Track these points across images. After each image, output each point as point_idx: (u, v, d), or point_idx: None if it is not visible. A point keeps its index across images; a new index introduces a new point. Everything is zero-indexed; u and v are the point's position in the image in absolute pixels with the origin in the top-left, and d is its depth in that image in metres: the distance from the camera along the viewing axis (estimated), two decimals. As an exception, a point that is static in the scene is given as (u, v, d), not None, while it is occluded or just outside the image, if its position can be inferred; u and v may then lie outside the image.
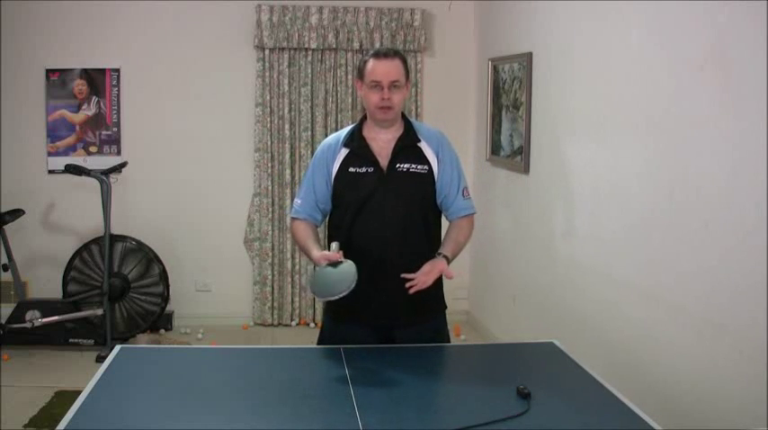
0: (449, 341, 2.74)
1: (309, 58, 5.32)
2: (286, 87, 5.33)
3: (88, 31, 5.24)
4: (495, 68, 4.95)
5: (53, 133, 5.30)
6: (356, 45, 5.30)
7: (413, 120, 2.71)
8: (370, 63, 2.51)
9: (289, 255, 5.45)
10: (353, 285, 2.28)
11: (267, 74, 5.30)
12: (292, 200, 5.37)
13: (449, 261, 2.50)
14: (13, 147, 5.26)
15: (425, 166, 2.55)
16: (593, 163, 3.64)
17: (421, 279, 2.42)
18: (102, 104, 5.32)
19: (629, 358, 3.23)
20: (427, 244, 2.58)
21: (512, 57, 4.65)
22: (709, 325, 2.70)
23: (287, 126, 5.36)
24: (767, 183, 2.38)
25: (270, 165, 5.37)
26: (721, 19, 2.62)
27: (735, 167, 2.55)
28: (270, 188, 5.40)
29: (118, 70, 5.30)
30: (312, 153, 5.35)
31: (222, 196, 5.46)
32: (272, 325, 5.51)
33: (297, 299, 5.53)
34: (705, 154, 2.71)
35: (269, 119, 5.34)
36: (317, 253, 2.46)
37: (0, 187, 5.21)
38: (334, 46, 5.28)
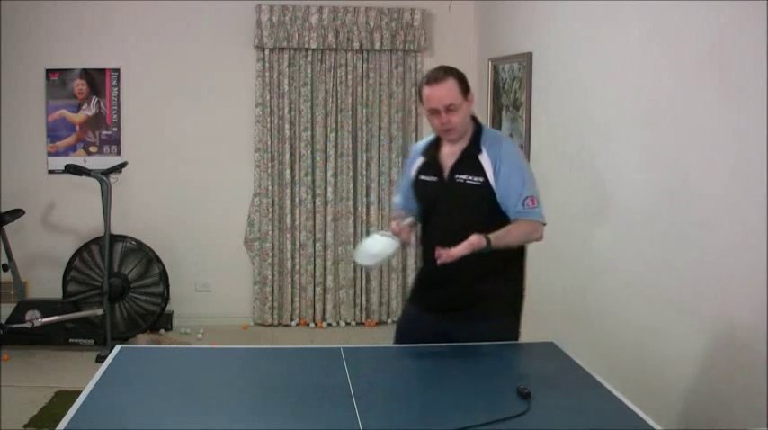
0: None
1: (309, 58, 5.32)
2: (286, 87, 5.33)
3: (88, 31, 5.24)
4: (495, 68, 4.95)
5: (53, 133, 5.30)
6: (356, 45, 5.30)
7: (486, 127, 2.68)
8: (425, 91, 2.55)
9: (289, 255, 5.45)
10: (373, 264, 2.60)
11: (267, 74, 5.30)
12: (292, 200, 5.43)
13: (488, 242, 2.42)
14: (13, 147, 5.26)
15: (481, 178, 2.56)
16: (592, 163, 3.64)
17: (450, 252, 2.38)
18: (102, 104, 5.31)
19: (630, 358, 3.23)
20: (489, 252, 2.47)
21: (512, 57, 4.64)
22: (709, 324, 2.70)
23: (287, 126, 5.35)
24: (767, 182, 2.38)
25: (270, 165, 5.37)
26: (721, 19, 2.62)
27: (735, 167, 2.56)
28: (270, 188, 5.39)
29: (118, 70, 5.30)
30: (312, 153, 5.40)
31: (222, 196, 5.46)
32: (271, 325, 5.50)
33: (297, 299, 5.53)
34: (705, 154, 2.71)
35: (269, 119, 5.34)
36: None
37: (0, 187, 5.21)
38: (334, 46, 5.28)
